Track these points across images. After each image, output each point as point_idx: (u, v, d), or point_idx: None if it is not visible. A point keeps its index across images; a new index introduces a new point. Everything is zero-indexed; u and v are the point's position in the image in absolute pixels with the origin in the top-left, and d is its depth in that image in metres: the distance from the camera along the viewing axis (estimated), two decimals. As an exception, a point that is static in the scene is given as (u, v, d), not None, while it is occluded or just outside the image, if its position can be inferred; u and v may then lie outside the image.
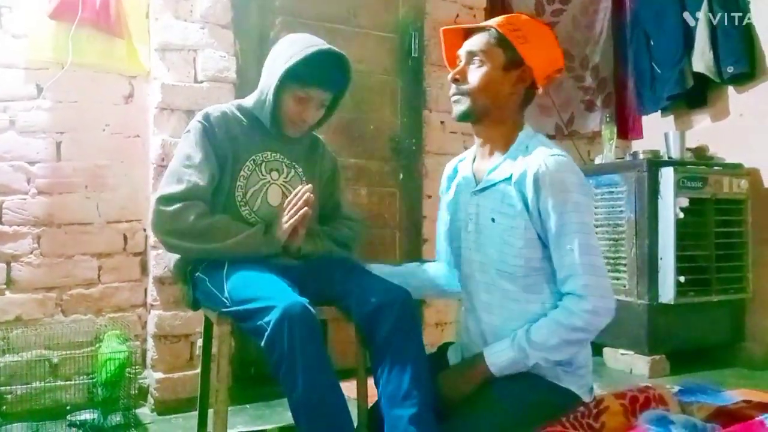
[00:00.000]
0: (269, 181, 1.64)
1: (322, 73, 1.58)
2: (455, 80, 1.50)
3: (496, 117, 1.49)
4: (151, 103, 2.48)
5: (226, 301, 1.45)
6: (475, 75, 1.47)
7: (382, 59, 2.99)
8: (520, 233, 1.41)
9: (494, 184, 1.47)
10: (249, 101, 1.66)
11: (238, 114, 1.64)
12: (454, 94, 1.50)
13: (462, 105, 1.49)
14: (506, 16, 1.51)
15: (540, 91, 1.52)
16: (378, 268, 1.69)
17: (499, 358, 1.41)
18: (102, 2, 2.36)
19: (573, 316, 1.37)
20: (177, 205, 1.48)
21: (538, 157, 1.41)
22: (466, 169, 1.60)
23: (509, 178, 1.44)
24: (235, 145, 1.60)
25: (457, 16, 3.15)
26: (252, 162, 1.62)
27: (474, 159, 1.59)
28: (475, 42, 1.48)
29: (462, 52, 1.51)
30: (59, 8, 2.31)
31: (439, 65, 3.09)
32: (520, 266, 1.42)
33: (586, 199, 1.42)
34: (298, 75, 1.55)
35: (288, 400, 1.33)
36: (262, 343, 1.31)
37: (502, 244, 1.44)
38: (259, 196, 1.61)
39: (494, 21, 1.49)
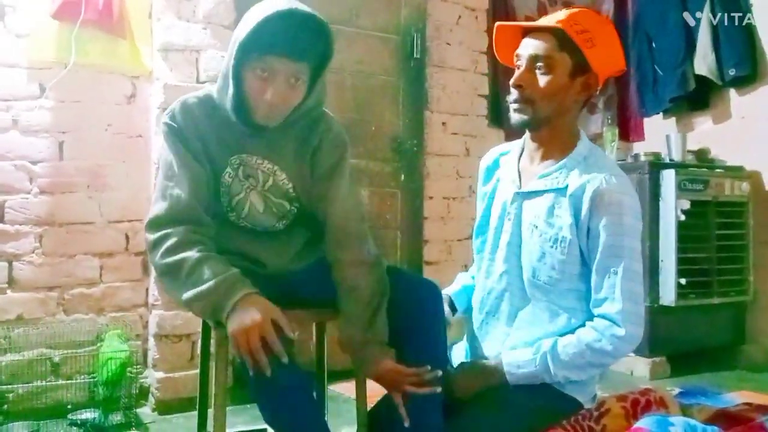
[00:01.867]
0: (249, 187, 1.42)
1: (290, 40, 1.27)
2: (518, 87, 1.39)
3: (556, 125, 1.42)
4: (154, 103, 2.48)
5: None
6: (541, 82, 1.37)
7: (383, 60, 2.99)
8: (564, 247, 1.37)
9: (543, 192, 1.42)
10: (213, 94, 1.40)
11: (208, 107, 1.39)
12: (515, 101, 1.40)
13: (524, 114, 1.39)
14: (571, 12, 1.38)
15: (598, 93, 1.46)
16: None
17: (519, 369, 1.39)
18: (105, 2, 2.36)
19: (604, 340, 1.34)
20: (158, 233, 1.31)
21: (599, 173, 1.36)
22: (510, 165, 1.52)
23: (563, 189, 1.39)
24: (205, 145, 1.38)
25: (459, 17, 3.15)
26: (231, 166, 1.40)
27: (520, 155, 1.52)
28: (540, 46, 1.37)
29: (524, 54, 1.39)
30: (62, 8, 2.31)
31: (441, 66, 3.09)
32: (555, 279, 1.39)
33: (638, 224, 1.39)
34: (258, 46, 1.26)
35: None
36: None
37: (540, 253, 1.40)
38: (246, 205, 1.43)
39: (556, 19, 1.37)
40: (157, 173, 2.39)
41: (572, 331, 1.40)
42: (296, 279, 1.46)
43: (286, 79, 1.30)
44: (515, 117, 1.42)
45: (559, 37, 1.36)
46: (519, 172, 1.49)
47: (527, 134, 1.49)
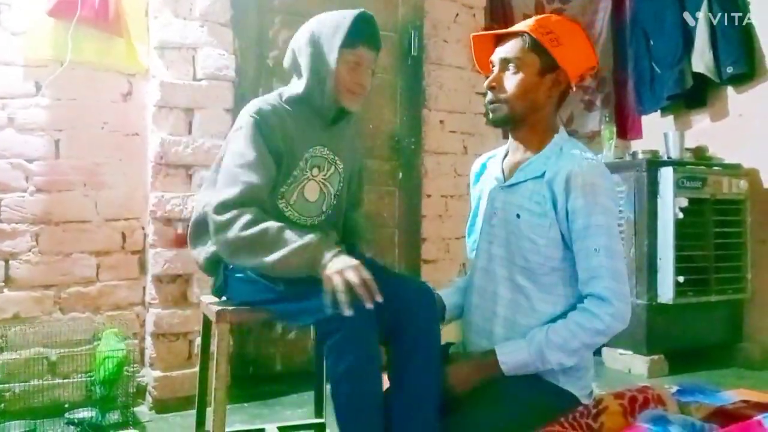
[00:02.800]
0: (309, 177, 1.59)
1: (372, 34, 1.57)
2: (491, 88, 1.49)
3: (532, 121, 1.50)
4: (150, 101, 2.47)
5: (273, 285, 1.45)
6: (511, 82, 1.46)
7: (381, 58, 2.93)
8: (543, 231, 1.42)
9: (524, 181, 1.49)
10: (297, 89, 1.57)
11: (288, 107, 1.58)
12: (491, 102, 1.50)
13: (500, 113, 1.49)
14: (537, 18, 1.50)
15: (574, 90, 1.53)
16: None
17: (512, 357, 1.40)
18: (101, 0, 2.36)
19: (595, 319, 1.37)
20: (228, 214, 1.41)
21: (572, 158, 1.42)
22: (495, 165, 1.61)
23: (541, 176, 1.45)
24: (290, 142, 1.54)
25: (457, 15, 3.15)
26: (304, 161, 1.57)
27: (505, 156, 1.60)
28: (509, 49, 1.47)
29: (495, 59, 1.50)
30: (58, 6, 2.31)
31: (438, 64, 3.09)
32: (539, 264, 1.44)
33: (613, 205, 1.44)
34: (352, 40, 1.53)
35: (330, 370, 1.35)
36: (318, 317, 1.33)
37: (524, 240, 1.45)
38: (296, 191, 1.58)
39: (525, 25, 1.48)
40: (154, 171, 2.40)
41: (557, 316, 1.42)
42: None
43: (368, 67, 1.59)
44: (492, 116, 1.52)
45: (527, 40, 1.46)
46: (503, 169, 1.57)
47: (510, 135, 1.58)
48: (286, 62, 1.62)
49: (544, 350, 1.38)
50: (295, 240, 1.38)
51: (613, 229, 1.40)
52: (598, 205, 1.38)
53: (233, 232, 1.40)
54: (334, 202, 1.65)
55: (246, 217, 1.40)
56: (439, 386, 1.42)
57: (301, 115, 1.58)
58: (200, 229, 1.60)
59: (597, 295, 1.38)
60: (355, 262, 1.34)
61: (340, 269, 1.32)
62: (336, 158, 1.64)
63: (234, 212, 1.41)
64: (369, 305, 1.29)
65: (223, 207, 1.43)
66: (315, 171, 1.60)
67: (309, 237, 1.39)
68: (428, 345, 1.45)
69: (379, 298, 1.30)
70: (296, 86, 1.59)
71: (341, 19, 1.53)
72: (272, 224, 1.41)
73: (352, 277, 1.30)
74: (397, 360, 1.45)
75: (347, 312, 1.28)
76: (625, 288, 1.40)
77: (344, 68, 1.54)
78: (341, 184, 1.66)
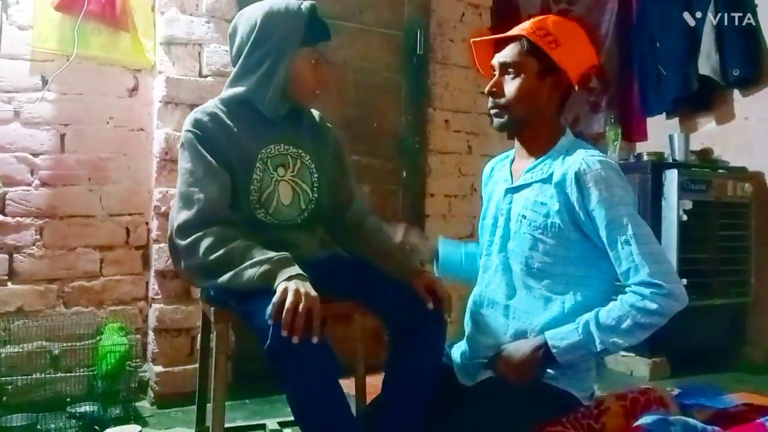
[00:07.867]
0: (277, 179, 1.51)
1: (321, 28, 1.52)
2: (492, 93, 1.50)
3: (536, 124, 1.50)
4: (156, 96, 2.48)
5: (229, 301, 1.43)
6: (511, 86, 1.47)
7: (386, 57, 2.99)
8: (552, 232, 1.42)
9: (530, 184, 1.49)
10: (239, 90, 1.50)
11: (228, 109, 1.50)
12: (492, 108, 1.51)
13: (502, 118, 1.49)
14: (534, 20, 1.50)
15: (576, 89, 1.52)
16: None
17: (563, 341, 1.38)
18: (108, -5, 2.37)
19: (646, 299, 1.34)
20: (191, 238, 1.35)
21: (577, 157, 1.42)
22: (504, 168, 1.61)
23: (548, 178, 1.45)
24: (237, 146, 1.47)
25: (463, 14, 3.15)
26: (261, 161, 1.49)
27: (513, 159, 1.60)
28: (507, 53, 1.48)
29: (495, 63, 1.51)
30: (65, 0, 2.31)
31: (444, 63, 3.09)
32: (549, 264, 1.43)
33: (629, 195, 1.42)
34: (310, 38, 1.49)
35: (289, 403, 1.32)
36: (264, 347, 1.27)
37: (531, 240, 1.45)
38: (274, 198, 1.50)
39: (522, 28, 1.48)
40: (159, 166, 2.41)
41: (566, 317, 1.41)
42: (323, 267, 1.49)
43: (325, 60, 1.56)
44: (495, 121, 1.53)
45: (524, 43, 1.46)
46: (511, 172, 1.58)
47: (515, 138, 1.57)
48: (232, 57, 1.55)
49: (594, 332, 1.35)
50: (261, 254, 1.31)
51: (635, 216, 1.39)
52: (615, 196, 1.37)
53: (197, 257, 1.34)
54: (315, 196, 1.57)
55: (209, 240, 1.34)
56: (428, 402, 1.44)
57: (245, 115, 1.50)
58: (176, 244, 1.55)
59: (644, 282, 1.35)
60: (314, 294, 1.24)
61: (299, 290, 1.23)
62: (300, 151, 1.56)
63: (195, 235, 1.35)
64: (315, 338, 1.20)
65: (183, 230, 1.37)
66: (281, 171, 1.52)
67: (275, 255, 1.31)
68: (433, 350, 1.47)
69: (315, 339, 1.20)
70: (239, 88, 1.51)
71: (294, 13, 1.46)
72: (239, 244, 1.33)
73: (302, 304, 1.20)
74: (394, 368, 1.47)
75: (281, 335, 1.19)
76: (669, 266, 1.38)
77: (307, 67, 1.50)
78: (315, 177, 1.58)
